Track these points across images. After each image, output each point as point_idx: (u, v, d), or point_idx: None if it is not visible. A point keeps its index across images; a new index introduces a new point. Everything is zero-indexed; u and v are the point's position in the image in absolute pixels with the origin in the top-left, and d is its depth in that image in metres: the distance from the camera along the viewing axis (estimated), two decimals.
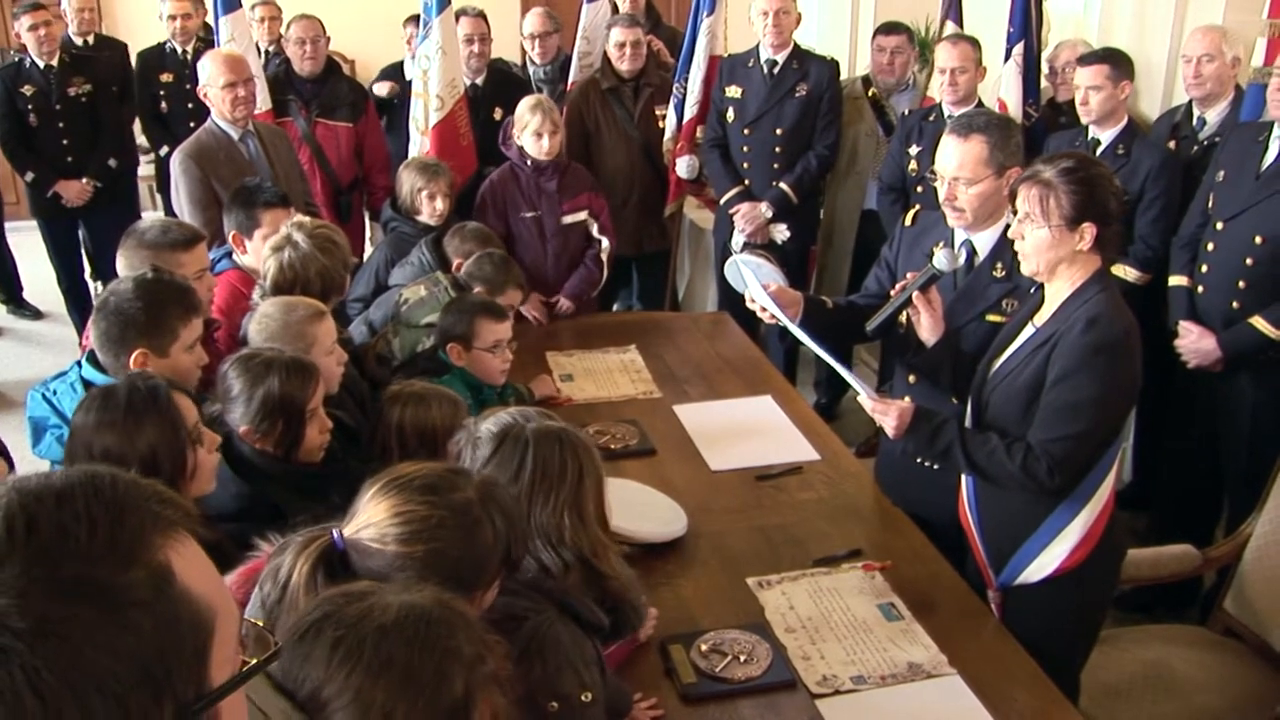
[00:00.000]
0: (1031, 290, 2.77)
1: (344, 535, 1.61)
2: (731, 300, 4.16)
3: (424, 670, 1.25)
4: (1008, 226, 2.90)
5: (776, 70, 5.11)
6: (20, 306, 7.28)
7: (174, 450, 2.18)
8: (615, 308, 5.95)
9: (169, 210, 5.40)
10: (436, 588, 1.37)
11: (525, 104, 4.58)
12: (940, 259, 2.89)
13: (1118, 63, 4.19)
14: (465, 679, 1.25)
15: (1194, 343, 3.83)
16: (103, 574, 0.82)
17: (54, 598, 0.80)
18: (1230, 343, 3.73)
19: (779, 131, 5.10)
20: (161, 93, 6.42)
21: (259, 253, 3.41)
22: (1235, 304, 3.73)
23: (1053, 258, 2.54)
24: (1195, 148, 4.27)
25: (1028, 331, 2.68)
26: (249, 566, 1.80)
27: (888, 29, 5.35)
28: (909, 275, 2.98)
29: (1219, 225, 3.79)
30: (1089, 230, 2.50)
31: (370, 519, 1.63)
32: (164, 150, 6.06)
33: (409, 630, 1.27)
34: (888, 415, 2.70)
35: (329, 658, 1.25)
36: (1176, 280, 3.97)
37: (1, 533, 0.82)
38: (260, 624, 1.22)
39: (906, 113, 5.07)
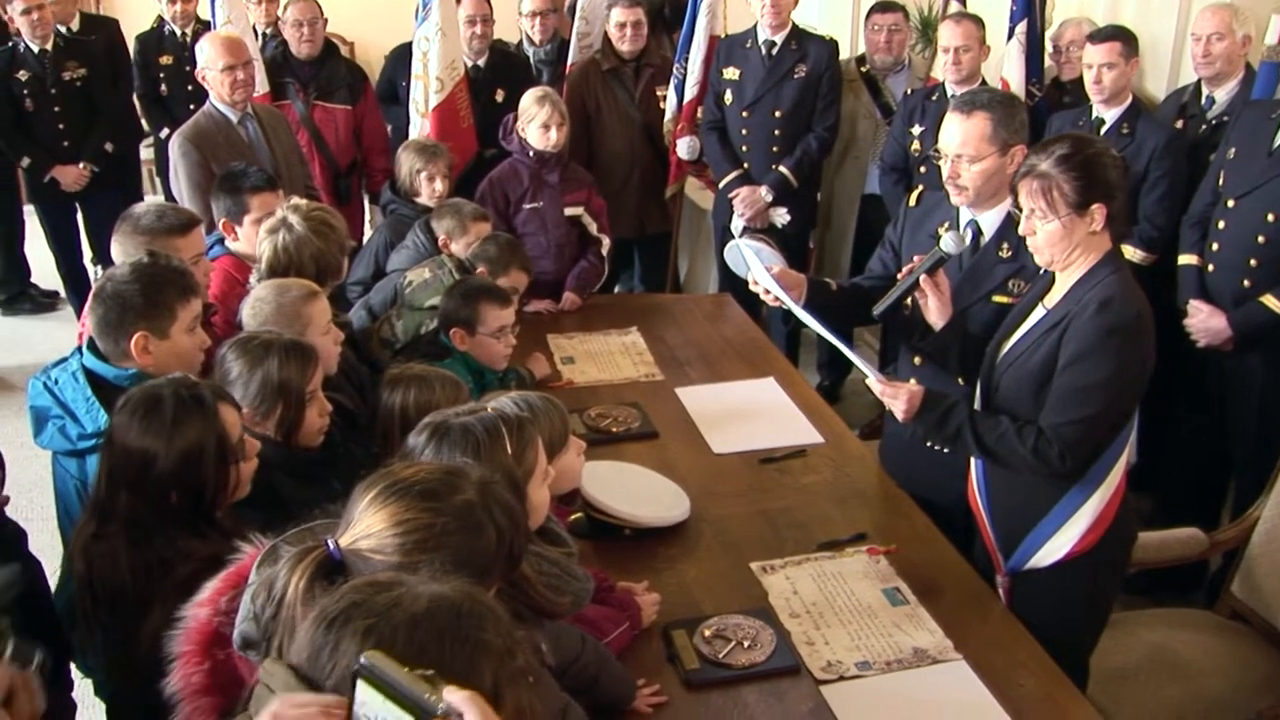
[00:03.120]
0: (1040, 271, 2.74)
1: (340, 545, 1.55)
2: (733, 282, 4.14)
3: (455, 662, 1.22)
4: (1014, 206, 2.88)
5: (775, 51, 5.06)
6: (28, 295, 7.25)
7: (218, 465, 2.13)
8: (617, 290, 5.92)
9: (168, 194, 5.37)
10: (463, 580, 1.34)
11: (531, 96, 4.53)
12: (947, 241, 2.85)
13: (1128, 39, 4.17)
14: (494, 672, 1.22)
15: (1204, 321, 3.79)
16: None
17: None
18: (1241, 321, 3.69)
19: (778, 113, 5.05)
20: (161, 75, 6.38)
21: (250, 238, 3.38)
22: (1246, 282, 3.69)
23: (1067, 246, 2.51)
24: (1203, 127, 4.23)
25: (1038, 313, 2.65)
26: (234, 570, 1.75)
27: (883, 7, 5.28)
28: (916, 258, 2.95)
29: (1230, 203, 3.75)
30: (1099, 211, 2.47)
31: (369, 528, 1.56)
32: (163, 133, 6.02)
33: (440, 621, 1.24)
34: (897, 398, 2.67)
35: (360, 647, 1.21)
36: (1186, 259, 3.93)
37: None
38: None
39: (909, 92, 5.03)
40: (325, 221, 3.21)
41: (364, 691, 1.05)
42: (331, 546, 1.53)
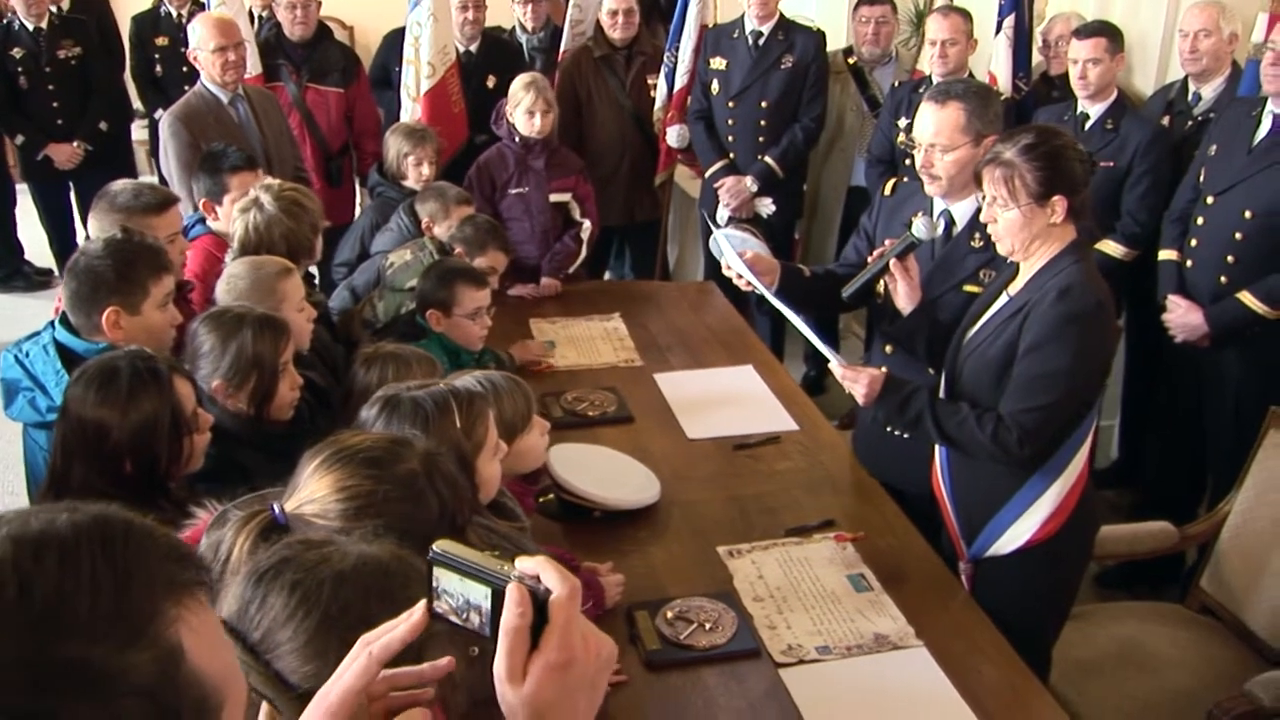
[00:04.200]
0: (1009, 260, 2.75)
1: (285, 510, 1.58)
2: (719, 271, 4.15)
3: (380, 619, 1.24)
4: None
5: (762, 41, 5.06)
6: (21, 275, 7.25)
7: (172, 437, 2.16)
8: (607, 277, 5.94)
9: (161, 174, 5.39)
10: (393, 543, 1.36)
11: (519, 81, 4.55)
12: (918, 227, 2.86)
13: (1113, 35, 4.17)
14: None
15: (1181, 317, 3.80)
16: (101, 655, 0.70)
17: (41, 684, 0.68)
18: (1217, 317, 3.70)
19: (764, 104, 5.05)
20: (156, 56, 6.39)
21: (229, 217, 3.39)
22: (1223, 279, 3.70)
23: (1026, 236, 2.52)
24: (1189, 123, 4.23)
25: (1001, 301, 2.66)
26: (186, 535, 1.77)
27: (871, 0, 5.30)
28: (887, 242, 2.96)
29: (1209, 199, 3.75)
30: (1059, 203, 2.48)
31: (313, 494, 1.60)
32: (158, 114, 6.03)
33: (366, 578, 1.28)
34: (857, 382, 2.69)
35: (286, 600, 1.25)
36: (1166, 254, 3.94)
37: None
38: (269, 699, 1.19)
39: (896, 85, 5.03)
40: (296, 201, 3.22)
41: (441, 577, 1.08)
42: (276, 510, 1.55)
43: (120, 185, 3.16)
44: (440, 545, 1.09)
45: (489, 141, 4.84)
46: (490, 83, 5.41)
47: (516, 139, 4.52)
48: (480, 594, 1.06)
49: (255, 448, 2.48)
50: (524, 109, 4.47)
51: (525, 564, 1.06)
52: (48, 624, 0.69)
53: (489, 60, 5.52)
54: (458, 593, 1.08)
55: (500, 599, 1.04)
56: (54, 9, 6.29)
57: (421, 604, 1.11)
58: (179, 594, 0.76)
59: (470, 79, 5.40)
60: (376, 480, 1.59)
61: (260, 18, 6.08)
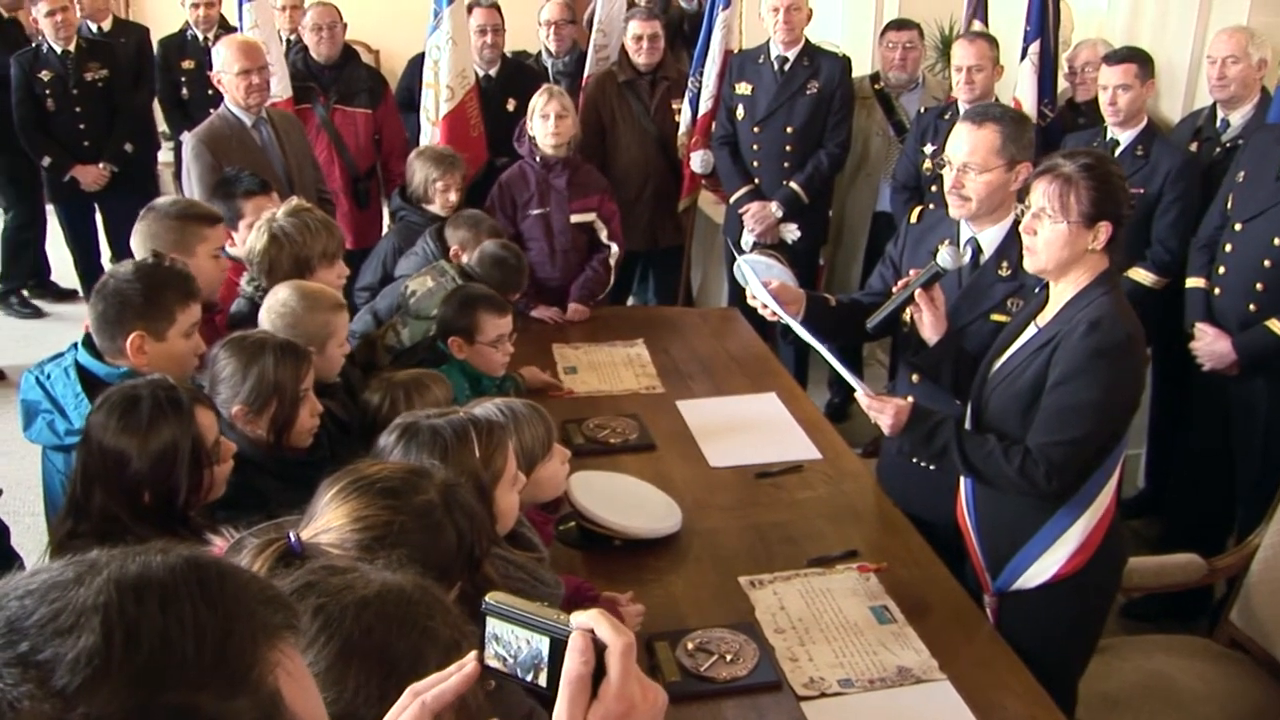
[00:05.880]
0: (1036, 290, 2.72)
1: (301, 539, 1.56)
2: (742, 297, 4.14)
3: (400, 647, 1.25)
4: (1015, 224, 2.85)
5: (787, 67, 5.05)
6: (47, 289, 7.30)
7: (192, 468, 2.14)
8: (630, 303, 5.93)
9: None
10: (417, 573, 1.35)
11: (538, 92, 4.56)
12: (944, 256, 2.83)
13: (1144, 62, 4.14)
14: (440, 662, 1.23)
15: (1209, 345, 3.76)
16: (207, 703, 0.69)
17: None
18: (1245, 345, 3.66)
19: (790, 130, 5.03)
20: (183, 79, 6.43)
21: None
22: (1252, 306, 3.67)
23: (1065, 256, 2.49)
24: (1217, 150, 4.20)
25: (1030, 331, 2.63)
26: None
27: (898, 25, 5.29)
28: (912, 272, 2.93)
29: (1238, 226, 3.72)
30: (1104, 229, 2.45)
31: (329, 523, 1.58)
32: (183, 136, 6.07)
33: (389, 606, 1.27)
34: (883, 412, 2.65)
35: (308, 625, 1.23)
36: (1194, 282, 3.90)
37: (98, 642, 0.68)
38: None
39: (922, 110, 5.02)
40: (307, 225, 3.20)
41: (495, 628, 1.08)
42: (292, 539, 1.54)
43: (171, 199, 3.17)
44: (494, 597, 1.09)
45: (508, 163, 4.84)
46: (510, 106, 5.41)
47: (538, 157, 4.52)
48: (539, 644, 1.06)
49: (274, 475, 2.47)
50: (539, 113, 4.46)
51: (579, 618, 1.06)
52: (155, 672, 0.68)
53: (509, 84, 5.52)
54: (513, 643, 1.07)
55: (559, 649, 1.05)
56: (94, 27, 6.34)
57: (473, 655, 1.10)
58: (273, 639, 0.76)
59: (489, 103, 5.40)
60: (394, 511, 1.58)
61: (289, 41, 6.12)
